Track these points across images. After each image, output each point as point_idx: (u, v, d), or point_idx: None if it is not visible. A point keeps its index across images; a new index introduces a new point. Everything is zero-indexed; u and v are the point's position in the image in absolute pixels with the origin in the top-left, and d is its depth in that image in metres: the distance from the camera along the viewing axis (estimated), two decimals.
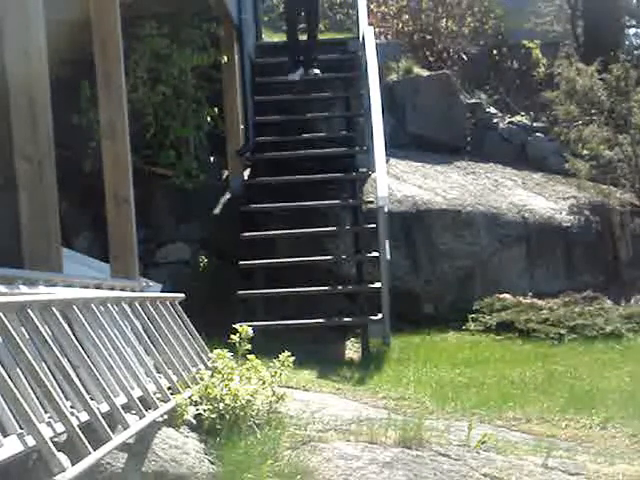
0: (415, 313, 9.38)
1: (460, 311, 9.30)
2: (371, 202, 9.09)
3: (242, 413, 4.46)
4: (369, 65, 9.53)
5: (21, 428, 3.09)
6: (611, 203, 10.56)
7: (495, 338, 8.84)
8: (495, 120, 11.83)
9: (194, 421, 4.35)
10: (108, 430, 3.49)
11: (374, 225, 8.46)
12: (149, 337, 4.61)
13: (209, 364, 5.07)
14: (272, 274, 8.89)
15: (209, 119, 9.54)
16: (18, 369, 3.26)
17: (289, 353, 5.15)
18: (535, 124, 11.94)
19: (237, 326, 5.18)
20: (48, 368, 3.45)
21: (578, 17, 14.53)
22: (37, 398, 3.30)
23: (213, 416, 4.38)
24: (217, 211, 9.74)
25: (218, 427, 4.35)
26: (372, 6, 12.80)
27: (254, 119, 10.20)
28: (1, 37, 4.94)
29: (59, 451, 3.11)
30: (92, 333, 3.90)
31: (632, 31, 16.84)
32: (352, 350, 8.41)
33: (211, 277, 9.12)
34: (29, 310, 3.42)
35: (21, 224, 4.94)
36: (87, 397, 3.52)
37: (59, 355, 3.49)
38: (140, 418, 3.88)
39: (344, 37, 12.25)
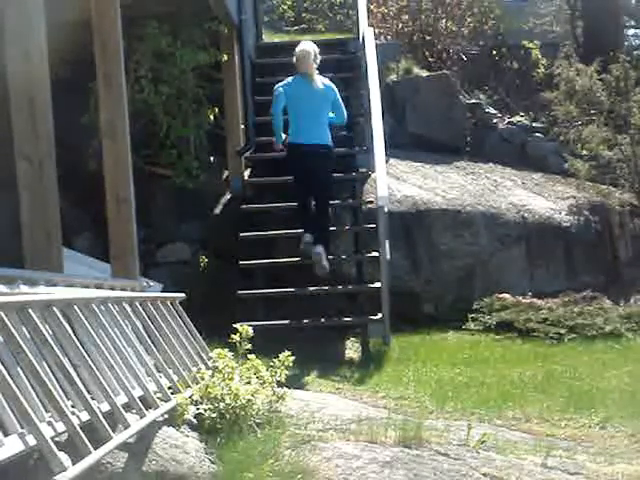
0: (415, 313, 9.38)
1: (460, 311, 9.30)
2: (371, 202, 9.10)
3: (242, 412, 4.47)
4: (369, 65, 9.54)
5: (22, 427, 3.10)
6: (610, 203, 10.57)
7: (495, 338, 8.84)
8: (495, 120, 11.84)
9: (194, 420, 4.36)
10: (109, 429, 3.50)
11: (374, 225, 8.47)
12: (150, 337, 4.62)
13: (209, 364, 5.07)
14: (272, 274, 8.90)
15: (210, 118, 9.55)
16: (19, 368, 3.26)
17: (289, 353, 5.17)
18: (535, 124, 11.95)
19: (237, 326, 5.20)
20: (49, 367, 3.46)
21: (577, 18, 14.56)
22: (38, 397, 3.31)
23: (213, 415, 4.39)
24: (217, 211, 9.74)
25: (218, 426, 4.36)
26: (372, 7, 12.81)
27: (254, 119, 10.21)
28: (2, 37, 4.95)
29: (60, 450, 3.11)
30: (93, 333, 3.91)
31: (631, 31, 16.87)
32: (352, 350, 8.41)
33: (211, 277, 9.13)
34: (30, 310, 3.43)
35: (22, 224, 4.95)
36: (88, 396, 3.53)
37: (60, 354, 3.50)
38: (141, 417, 3.89)
39: (344, 37, 12.27)
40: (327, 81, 8.74)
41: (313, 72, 8.57)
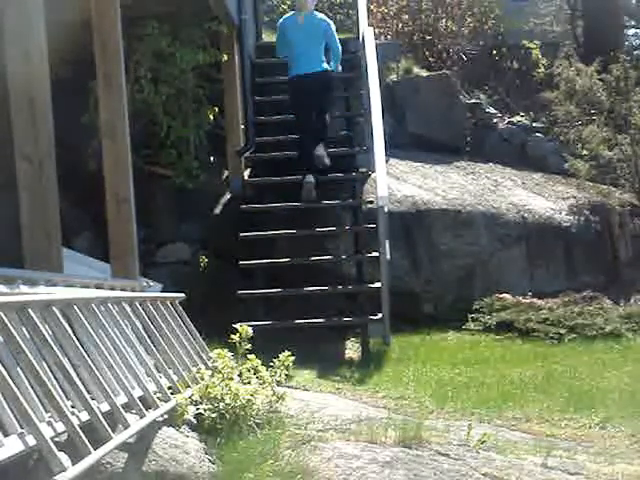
0: (415, 313, 9.37)
1: (460, 311, 9.30)
2: (371, 202, 9.10)
3: (242, 413, 4.48)
4: (369, 65, 9.54)
5: (22, 428, 3.09)
6: (611, 203, 10.57)
7: (495, 338, 8.84)
8: (495, 120, 11.84)
9: (194, 420, 4.36)
10: (108, 429, 3.50)
11: (374, 225, 8.46)
12: (149, 337, 4.62)
13: (209, 364, 5.08)
14: (272, 274, 8.90)
15: (210, 118, 9.55)
16: (19, 369, 3.26)
17: (289, 353, 5.17)
18: (535, 124, 11.94)
19: (237, 326, 5.20)
20: (49, 368, 3.46)
21: (578, 17, 14.56)
22: (38, 398, 3.31)
23: (213, 415, 4.39)
24: (217, 211, 9.74)
25: (218, 427, 4.36)
26: (372, 7, 12.81)
27: (254, 119, 10.21)
28: (2, 37, 4.95)
29: (60, 451, 3.11)
30: (92, 333, 3.91)
31: (632, 31, 16.88)
32: (352, 350, 8.41)
33: (211, 277, 9.13)
34: (30, 310, 3.43)
35: (22, 224, 4.95)
36: (87, 396, 3.53)
37: (59, 355, 3.50)
38: (140, 417, 3.89)
39: (344, 37, 12.25)
40: (323, 16, 9.57)
41: (305, 8, 9.34)
